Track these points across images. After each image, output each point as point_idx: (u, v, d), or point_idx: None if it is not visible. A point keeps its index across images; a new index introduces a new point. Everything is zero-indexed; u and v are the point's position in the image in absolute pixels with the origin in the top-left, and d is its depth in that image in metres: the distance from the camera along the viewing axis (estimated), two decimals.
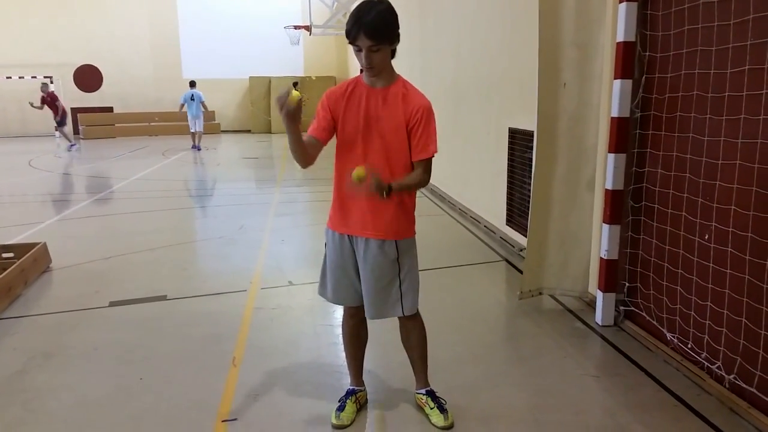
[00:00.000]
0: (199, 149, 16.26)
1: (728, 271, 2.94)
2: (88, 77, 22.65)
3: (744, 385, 2.85)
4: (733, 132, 2.89)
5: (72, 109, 22.70)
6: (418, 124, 2.52)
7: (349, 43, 2.42)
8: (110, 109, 23.01)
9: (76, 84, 22.65)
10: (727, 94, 2.91)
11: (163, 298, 4.63)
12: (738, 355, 2.88)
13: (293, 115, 2.30)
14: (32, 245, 5.25)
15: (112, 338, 3.87)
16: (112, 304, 4.49)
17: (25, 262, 4.86)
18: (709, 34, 3.02)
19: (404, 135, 2.54)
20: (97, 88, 22.80)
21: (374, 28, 2.34)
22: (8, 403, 3.05)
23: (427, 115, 2.53)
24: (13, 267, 4.64)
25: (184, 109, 16.29)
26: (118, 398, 3.10)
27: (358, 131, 2.55)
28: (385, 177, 2.52)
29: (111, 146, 18.36)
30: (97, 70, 22.66)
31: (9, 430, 2.82)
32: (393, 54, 2.51)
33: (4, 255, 5.13)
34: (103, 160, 14.89)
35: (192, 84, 16.75)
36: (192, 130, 16.38)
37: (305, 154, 2.52)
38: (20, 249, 5.17)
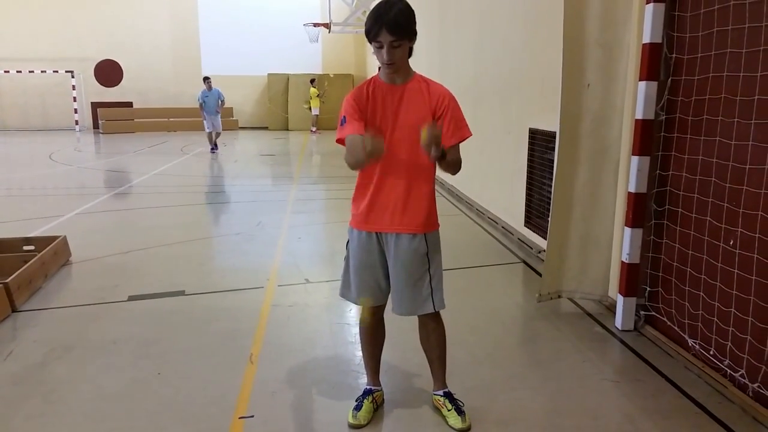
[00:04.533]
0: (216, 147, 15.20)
1: (754, 277, 2.88)
2: (108, 72, 22.93)
3: None
4: (762, 136, 2.83)
5: (92, 103, 23.06)
6: (446, 112, 2.55)
7: (370, 41, 2.45)
8: (130, 104, 23.26)
9: (96, 79, 22.95)
10: (756, 97, 2.85)
11: (182, 293, 4.66)
12: (763, 363, 2.82)
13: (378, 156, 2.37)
14: (52, 238, 5.31)
15: (130, 332, 3.90)
16: (131, 298, 4.53)
17: (46, 255, 4.91)
18: (739, 36, 2.96)
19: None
20: (118, 83, 23.09)
21: (395, 24, 2.38)
22: (28, 395, 3.08)
23: (452, 102, 2.58)
24: (33, 260, 4.69)
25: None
26: (136, 392, 3.12)
27: (382, 129, 2.55)
28: (410, 172, 2.58)
29: (130, 141, 18.54)
30: (118, 65, 22.92)
31: (29, 422, 2.85)
32: (410, 52, 2.54)
33: (25, 248, 5.19)
34: (123, 155, 15.03)
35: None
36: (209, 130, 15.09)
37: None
38: (41, 242, 5.22)
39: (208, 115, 14.78)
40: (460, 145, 2.59)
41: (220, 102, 14.75)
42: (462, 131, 2.60)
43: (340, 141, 2.58)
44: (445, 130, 2.54)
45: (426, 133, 2.29)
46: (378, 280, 2.73)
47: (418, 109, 2.55)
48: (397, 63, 2.48)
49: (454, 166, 2.58)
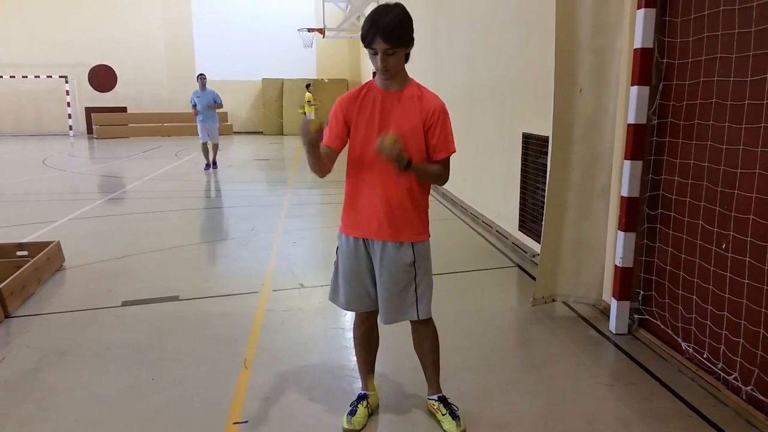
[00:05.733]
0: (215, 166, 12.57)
1: (746, 281, 2.90)
2: (102, 77, 22.92)
3: (761, 397, 2.81)
4: (752, 140, 2.85)
5: (86, 108, 23.00)
6: (435, 125, 2.55)
7: (365, 46, 2.44)
8: (124, 109, 23.21)
9: (90, 84, 22.93)
10: (747, 102, 2.87)
11: (176, 298, 4.64)
12: (756, 366, 2.84)
13: (315, 142, 2.39)
14: (46, 244, 5.29)
15: (124, 338, 3.88)
16: (125, 303, 4.51)
17: (39, 261, 4.89)
18: (729, 41, 2.99)
19: (421, 136, 2.56)
20: (112, 88, 23.06)
21: (390, 32, 2.36)
22: (21, 401, 3.07)
23: (443, 115, 2.57)
24: (27, 265, 4.67)
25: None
26: (129, 398, 3.11)
27: (372, 134, 2.55)
28: (398, 180, 2.56)
29: (124, 146, 18.49)
30: (112, 70, 22.91)
31: (22, 428, 2.83)
32: (407, 58, 2.53)
33: (18, 253, 5.17)
34: (117, 160, 14.99)
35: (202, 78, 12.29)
36: (204, 140, 12.36)
37: (323, 168, 2.58)
38: (34, 247, 5.20)
39: (203, 121, 12.03)
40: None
41: (215, 104, 12.09)
42: (448, 146, 2.59)
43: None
44: (434, 143, 2.56)
45: (380, 141, 2.33)
46: (366, 286, 2.72)
47: (409, 118, 2.54)
48: (392, 70, 2.47)
49: (430, 180, 2.59)
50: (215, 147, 12.45)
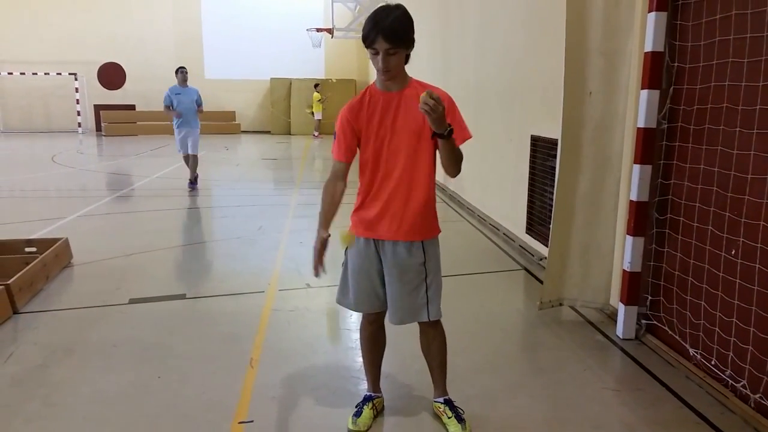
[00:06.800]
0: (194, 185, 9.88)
1: (755, 287, 2.88)
2: (111, 75, 23.04)
3: None
4: (763, 146, 2.83)
5: (95, 106, 23.12)
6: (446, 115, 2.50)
7: (366, 46, 2.43)
8: (132, 107, 23.31)
9: (99, 81, 23.06)
10: (758, 107, 2.85)
11: (182, 296, 4.66)
12: (765, 373, 2.81)
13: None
14: (54, 240, 5.31)
15: (131, 335, 3.90)
16: (132, 301, 4.53)
17: (47, 258, 4.92)
18: (741, 45, 2.97)
19: (428, 133, 2.53)
20: (120, 86, 23.18)
21: (392, 32, 2.36)
22: (28, 398, 3.08)
23: (450, 104, 2.53)
24: (35, 262, 4.69)
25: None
26: (135, 395, 3.12)
27: (381, 137, 2.56)
28: (409, 180, 2.56)
29: (132, 144, 18.57)
30: (121, 68, 23.04)
31: (28, 424, 2.85)
32: (407, 59, 2.52)
33: (27, 250, 5.19)
34: (125, 158, 15.05)
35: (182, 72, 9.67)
36: (184, 153, 9.90)
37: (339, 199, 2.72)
38: (42, 244, 5.22)
39: (181, 126, 9.58)
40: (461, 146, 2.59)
41: (197, 107, 9.66)
42: (463, 132, 2.57)
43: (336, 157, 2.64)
44: None
45: (423, 97, 2.25)
46: (375, 287, 2.72)
47: (416, 116, 2.51)
48: (393, 71, 2.46)
49: (455, 162, 2.52)
50: (194, 159, 9.81)
